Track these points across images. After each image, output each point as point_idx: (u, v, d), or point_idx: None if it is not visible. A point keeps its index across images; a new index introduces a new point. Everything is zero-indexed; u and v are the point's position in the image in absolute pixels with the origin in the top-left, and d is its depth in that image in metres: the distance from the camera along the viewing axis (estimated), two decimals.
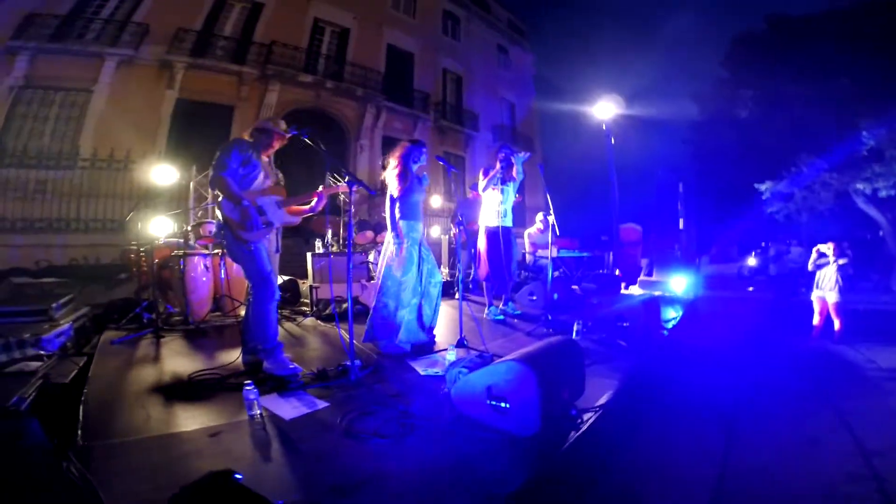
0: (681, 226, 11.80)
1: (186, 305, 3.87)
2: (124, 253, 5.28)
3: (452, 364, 2.36)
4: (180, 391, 2.38)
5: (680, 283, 6.89)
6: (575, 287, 6.10)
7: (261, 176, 2.72)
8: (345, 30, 13.42)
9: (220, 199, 2.61)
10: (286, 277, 5.08)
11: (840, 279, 5.42)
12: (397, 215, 3.15)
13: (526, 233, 7.21)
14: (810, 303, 5.83)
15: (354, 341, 2.67)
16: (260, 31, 11.65)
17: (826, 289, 5.54)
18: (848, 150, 11.66)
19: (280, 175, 2.92)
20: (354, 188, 2.76)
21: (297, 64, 11.84)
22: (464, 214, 5.77)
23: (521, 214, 10.38)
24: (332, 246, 5.24)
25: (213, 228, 4.68)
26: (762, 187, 13.35)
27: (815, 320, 5.76)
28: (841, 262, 5.45)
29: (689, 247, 11.58)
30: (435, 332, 3.39)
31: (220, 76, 10.80)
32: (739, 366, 4.42)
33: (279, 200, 2.82)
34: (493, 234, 4.26)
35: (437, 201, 8.21)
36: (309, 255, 4.90)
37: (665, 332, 4.39)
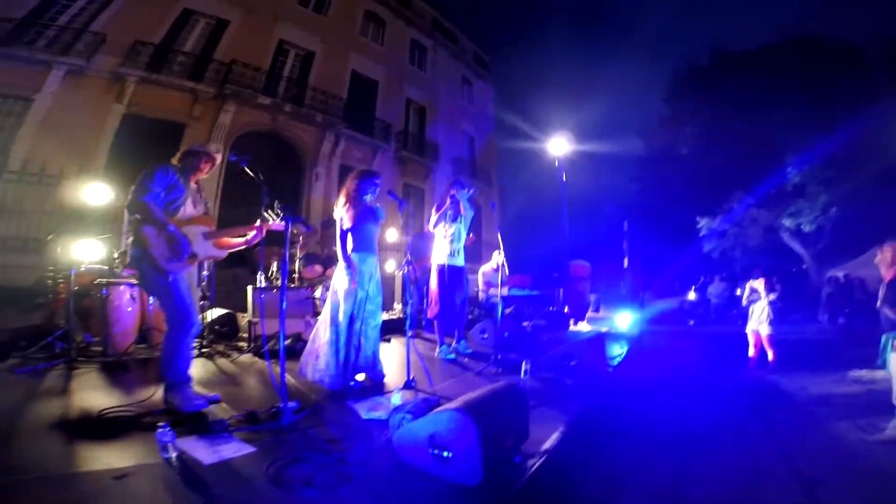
0: (625, 264, 12.39)
1: (107, 336, 3.55)
2: (41, 277, 4.79)
3: (396, 409, 2.27)
4: (87, 428, 2.15)
5: (625, 319, 7.21)
6: (526, 324, 6.18)
7: (188, 203, 2.56)
8: (309, 53, 13.42)
9: (141, 225, 2.42)
10: (223, 311, 4.79)
11: (771, 313, 5.79)
12: (349, 247, 3.07)
13: (480, 270, 7.29)
14: (744, 335, 6.25)
15: (293, 380, 2.51)
16: (222, 49, 11.43)
17: (759, 322, 5.90)
18: (774, 186, 12.79)
19: (208, 205, 2.80)
20: (290, 225, 2.66)
21: (257, 85, 11.63)
22: (417, 250, 5.74)
23: (478, 251, 10.55)
24: (277, 279, 5.03)
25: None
26: (701, 223, 14.33)
27: (751, 352, 6.12)
28: (771, 297, 5.84)
29: (634, 284, 12.11)
30: (384, 370, 3.27)
31: (173, 92, 10.39)
32: (684, 400, 4.59)
33: (206, 232, 2.65)
34: (442, 272, 4.25)
35: (392, 235, 8.10)
36: (250, 288, 4.66)
37: (611, 369, 4.52)
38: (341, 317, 2.97)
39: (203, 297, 4.16)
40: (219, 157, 2.72)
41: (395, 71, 15.87)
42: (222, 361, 3.78)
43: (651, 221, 16.75)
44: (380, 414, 2.50)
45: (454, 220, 4.29)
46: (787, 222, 13.05)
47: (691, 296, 13.88)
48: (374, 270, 3.15)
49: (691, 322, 11.37)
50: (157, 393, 2.54)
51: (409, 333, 3.19)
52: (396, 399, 2.59)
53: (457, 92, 19.06)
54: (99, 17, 9.75)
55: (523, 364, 3.63)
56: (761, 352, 5.99)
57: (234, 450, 2.00)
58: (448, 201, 4.31)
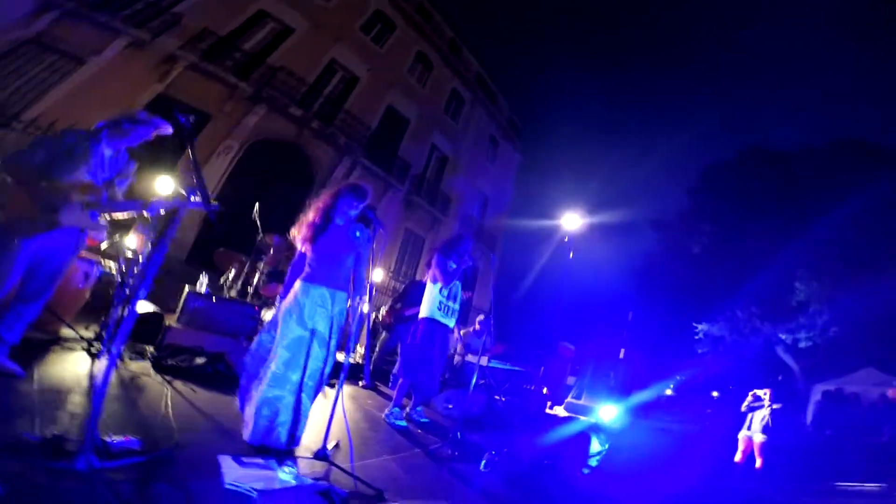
0: (621, 355, 11.74)
1: None
2: None
3: (266, 494, 1.63)
4: None
5: (609, 412, 6.61)
6: (499, 398, 5.52)
7: (80, 169, 2.31)
8: (354, 77, 13.66)
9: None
10: (151, 309, 4.14)
11: (770, 422, 5.80)
12: (305, 271, 2.51)
13: (461, 332, 6.72)
14: (721, 436, 6.24)
15: (195, 406, 1.87)
16: (277, 56, 11.68)
17: (756, 430, 5.88)
18: (781, 300, 12.45)
19: (130, 172, 2.56)
20: (193, 197, 1.93)
21: (295, 95, 11.70)
22: (406, 297, 5.24)
23: (465, 313, 9.98)
24: (226, 290, 4.48)
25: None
26: (699, 328, 13.81)
27: (738, 457, 6.03)
28: (775, 406, 5.87)
29: (627, 376, 11.43)
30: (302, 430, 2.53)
31: (214, 84, 10.46)
32: None
33: (90, 201, 2.34)
34: (428, 328, 3.70)
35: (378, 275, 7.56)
36: (187, 288, 4.09)
37: (587, 471, 3.81)
38: (267, 348, 2.40)
39: (121, 283, 3.55)
40: (164, 129, 2.48)
41: (428, 115, 16.04)
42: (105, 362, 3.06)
43: (651, 316, 16.18)
44: (252, 486, 1.75)
45: (455, 275, 3.81)
46: (785, 336, 12.81)
47: (668, 391, 13.13)
48: (328, 306, 2.46)
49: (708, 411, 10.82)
50: None
51: (338, 385, 2.36)
52: (286, 474, 1.93)
53: (482, 150, 19.08)
54: (185, 1, 10.16)
55: (486, 455, 2.95)
56: (748, 458, 5.92)
57: None
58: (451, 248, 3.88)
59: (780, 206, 13.28)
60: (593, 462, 4.00)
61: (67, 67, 8.78)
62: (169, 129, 2.46)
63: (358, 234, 2.60)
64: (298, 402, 2.34)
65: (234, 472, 1.84)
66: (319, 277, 2.48)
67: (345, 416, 2.45)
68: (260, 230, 5.54)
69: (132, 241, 4.92)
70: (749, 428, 6.02)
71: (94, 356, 3.05)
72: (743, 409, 6.20)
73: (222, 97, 10.57)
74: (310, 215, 2.60)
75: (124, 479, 1.51)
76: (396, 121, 14.98)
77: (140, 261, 4.54)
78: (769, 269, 12.57)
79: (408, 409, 3.84)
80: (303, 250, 2.57)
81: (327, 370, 2.46)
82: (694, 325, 14.25)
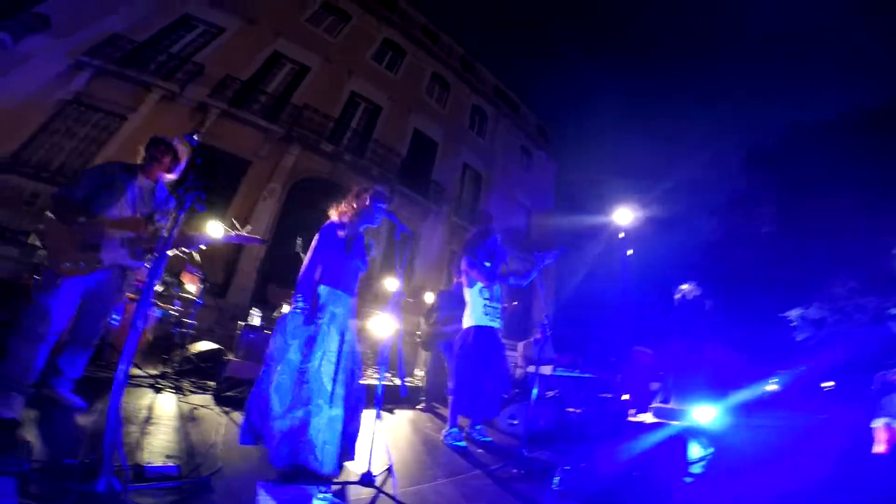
0: (707, 348, 10.61)
1: None
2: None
3: None
4: None
5: (706, 413, 5.75)
6: (572, 410, 4.97)
7: (121, 203, 2.29)
8: (377, 107, 13.96)
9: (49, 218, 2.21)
10: (213, 346, 4.16)
11: None
12: (317, 276, 2.29)
13: (520, 345, 6.26)
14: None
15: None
16: (299, 94, 12.14)
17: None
18: (883, 268, 10.75)
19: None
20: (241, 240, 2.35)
21: (323, 131, 12.06)
22: (446, 307, 4.91)
23: (524, 324, 9.45)
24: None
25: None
26: (791, 314, 12.27)
27: (880, 447, 4.83)
28: None
29: (718, 373, 10.30)
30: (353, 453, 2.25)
31: (247, 129, 10.89)
32: None
33: (129, 238, 2.28)
34: (470, 336, 3.35)
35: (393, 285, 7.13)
36: (241, 324, 4.08)
37: (690, 479, 3.19)
38: (295, 365, 2.12)
39: (178, 323, 3.58)
40: (182, 149, 2.47)
41: (454, 134, 16.02)
42: (169, 396, 3.06)
43: (727, 305, 14.66)
44: None
45: (495, 273, 3.48)
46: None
47: (772, 387, 11.57)
48: (346, 316, 2.29)
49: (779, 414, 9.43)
50: None
51: (377, 409, 2.14)
52: (320, 501, 1.61)
53: (515, 162, 18.74)
54: (203, 50, 10.83)
55: (556, 477, 2.49)
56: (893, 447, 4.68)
57: None
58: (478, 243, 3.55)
59: (861, 169, 11.77)
60: (696, 469, 3.39)
61: (113, 125, 9.33)
62: (184, 148, 2.53)
63: (370, 250, 2.54)
64: (347, 420, 2.11)
65: (268, 500, 1.61)
66: (347, 285, 2.33)
67: (386, 446, 2.14)
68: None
69: (186, 283, 5.06)
70: (886, 414, 5.10)
71: (157, 391, 3.12)
72: (873, 395, 5.29)
73: (257, 141, 10.99)
74: (347, 215, 2.47)
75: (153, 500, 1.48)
76: (425, 144, 15.05)
77: (195, 300, 4.64)
78: (861, 237, 10.98)
79: (467, 428, 3.46)
80: (323, 251, 2.35)
81: (360, 384, 2.24)
82: (782, 314, 12.65)
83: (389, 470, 2.21)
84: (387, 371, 4.49)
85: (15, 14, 8.50)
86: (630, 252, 9.74)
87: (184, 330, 4.32)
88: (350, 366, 2.20)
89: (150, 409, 2.67)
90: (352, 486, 1.92)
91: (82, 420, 2.22)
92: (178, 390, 3.22)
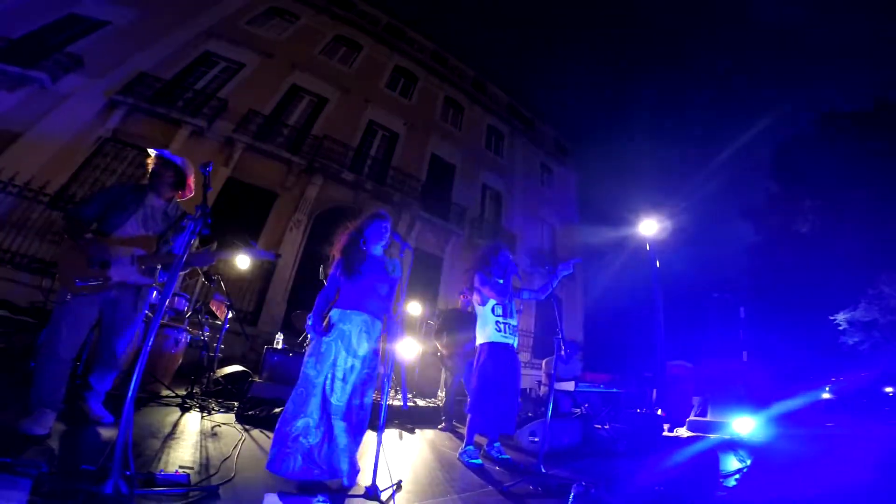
0: (744, 357, 9.98)
1: None
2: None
3: None
4: None
5: (746, 424, 5.41)
6: (601, 426, 4.80)
7: (132, 222, 2.37)
8: (394, 134, 14.38)
9: (63, 235, 2.33)
10: (239, 368, 4.33)
11: None
12: (331, 301, 2.41)
13: (544, 362, 6.16)
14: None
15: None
16: (319, 125, 12.67)
17: None
18: None
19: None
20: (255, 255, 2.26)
21: (344, 161, 12.48)
22: (451, 326, 4.91)
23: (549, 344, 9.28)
24: (303, 344, 4.56)
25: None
26: (839, 318, 11.41)
27: None
28: None
29: (756, 381, 9.66)
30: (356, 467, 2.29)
31: (272, 162, 11.39)
32: None
33: (139, 255, 2.34)
34: (485, 353, 3.36)
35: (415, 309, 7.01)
36: (265, 348, 4.23)
37: (725, 490, 2.98)
38: (312, 381, 2.20)
39: (206, 347, 3.75)
40: (189, 171, 2.58)
41: (471, 156, 16.19)
42: (194, 415, 3.19)
43: (770, 313, 13.79)
44: None
45: (506, 289, 3.48)
46: None
47: (825, 395, 10.64)
48: (371, 332, 2.37)
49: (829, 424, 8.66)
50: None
51: (380, 425, 2.17)
52: None
53: (535, 179, 18.63)
54: (226, 86, 11.51)
55: (573, 487, 2.40)
56: None
57: None
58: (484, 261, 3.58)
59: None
60: (731, 482, 3.18)
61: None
62: (190, 166, 2.65)
63: (393, 269, 2.56)
64: (352, 434, 2.16)
65: None
66: (359, 304, 2.39)
67: (379, 443, 2.12)
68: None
69: (214, 310, 5.30)
70: None
71: (184, 410, 3.25)
72: None
73: (281, 174, 11.48)
74: (341, 244, 2.57)
75: None
76: (443, 168, 15.28)
77: (223, 326, 4.85)
78: None
79: (485, 446, 3.40)
80: (337, 273, 2.47)
81: (367, 400, 2.27)
82: (831, 317, 11.83)
83: (398, 485, 2.22)
84: (390, 389, 4.51)
85: (50, 54, 9.08)
86: (658, 264, 9.45)
87: (211, 354, 4.52)
88: (357, 382, 2.24)
89: (174, 425, 2.80)
90: (356, 499, 1.92)
91: (108, 433, 2.34)
92: (204, 409, 3.36)
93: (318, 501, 1.66)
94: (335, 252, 2.56)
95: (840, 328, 11.48)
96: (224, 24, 12.48)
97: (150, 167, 2.61)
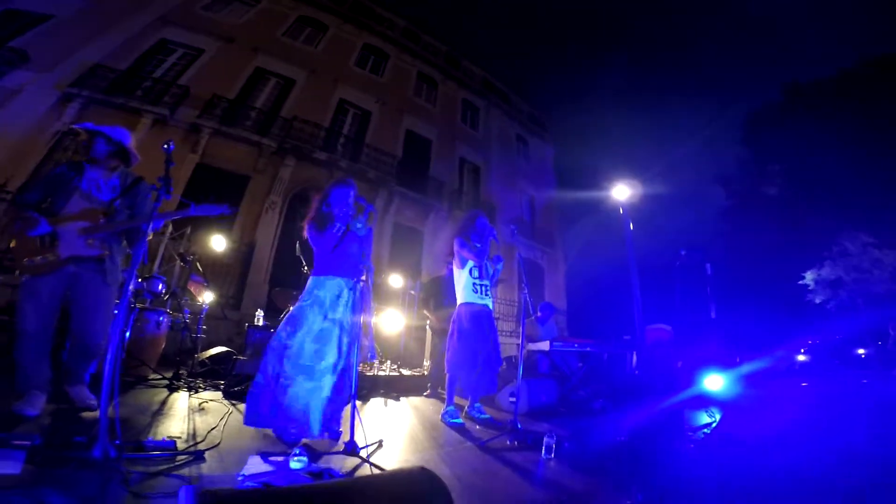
0: (712, 314, 10.41)
1: None
2: None
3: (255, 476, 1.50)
4: None
5: (715, 381, 5.72)
6: (576, 387, 5.04)
7: (75, 197, 2.38)
8: (367, 112, 14.13)
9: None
10: (222, 349, 4.36)
11: None
12: (305, 269, 2.50)
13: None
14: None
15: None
16: (287, 107, 12.36)
17: None
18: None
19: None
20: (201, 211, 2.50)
21: (316, 141, 12.25)
22: (437, 293, 5.00)
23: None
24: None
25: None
26: (807, 277, 11.98)
27: None
28: None
29: (726, 338, 10.11)
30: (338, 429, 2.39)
31: (241, 145, 11.14)
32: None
33: (83, 227, 2.35)
34: (461, 314, 3.50)
35: (397, 281, 7.11)
36: (247, 326, 4.26)
37: (692, 444, 3.21)
38: (283, 343, 2.35)
39: (185, 328, 3.75)
40: (118, 135, 2.57)
41: (447, 130, 16.11)
42: (182, 395, 3.26)
43: (740, 274, 14.38)
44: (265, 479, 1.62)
45: (483, 253, 3.60)
46: None
47: (801, 357, 11.24)
48: (337, 298, 2.47)
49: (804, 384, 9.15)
50: None
51: (353, 391, 2.29)
52: (295, 463, 1.75)
53: (512, 151, 18.76)
54: (186, 72, 11.09)
55: (545, 438, 2.57)
56: None
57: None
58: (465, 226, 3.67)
59: (870, 118, 11.40)
60: (700, 434, 3.42)
61: None
62: (103, 128, 2.58)
63: (359, 225, 2.61)
64: (333, 394, 2.30)
65: (253, 468, 1.78)
66: (332, 269, 2.51)
67: (356, 416, 2.22)
68: (304, 264, 5.69)
69: (192, 291, 5.26)
70: None
71: (172, 391, 3.31)
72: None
73: (252, 156, 11.25)
74: (309, 211, 2.68)
75: (141, 471, 1.60)
76: (419, 143, 15.16)
77: (203, 308, 4.83)
78: (869, 190, 10.64)
79: (465, 408, 3.56)
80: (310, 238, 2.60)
81: (353, 360, 2.39)
82: (801, 275, 12.37)
83: (380, 443, 2.34)
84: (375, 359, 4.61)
85: None
86: (632, 226, 9.69)
87: (194, 335, 4.53)
88: (333, 344, 2.35)
89: (162, 403, 2.89)
90: (339, 456, 2.04)
91: (98, 413, 2.37)
92: (191, 388, 3.42)
93: (298, 458, 1.75)
94: (305, 220, 2.66)
95: (809, 288, 12.03)
96: (179, 10, 11.92)
97: (82, 142, 2.61)
